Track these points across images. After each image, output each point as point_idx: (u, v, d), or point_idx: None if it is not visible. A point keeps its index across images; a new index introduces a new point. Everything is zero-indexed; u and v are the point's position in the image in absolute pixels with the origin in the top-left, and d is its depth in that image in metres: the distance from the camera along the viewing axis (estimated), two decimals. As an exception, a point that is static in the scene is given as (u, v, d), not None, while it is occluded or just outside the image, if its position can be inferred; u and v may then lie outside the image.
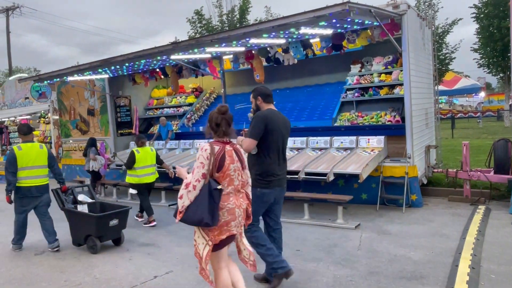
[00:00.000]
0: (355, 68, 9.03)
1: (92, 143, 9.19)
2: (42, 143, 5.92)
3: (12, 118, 15.84)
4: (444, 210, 6.61)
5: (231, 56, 8.80)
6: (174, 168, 6.70)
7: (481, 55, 21.85)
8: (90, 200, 6.04)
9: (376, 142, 7.16)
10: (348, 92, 8.86)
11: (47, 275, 4.69)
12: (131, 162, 6.81)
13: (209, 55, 8.67)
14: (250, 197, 3.29)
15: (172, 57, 7.99)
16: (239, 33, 6.55)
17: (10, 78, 16.17)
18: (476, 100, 39.64)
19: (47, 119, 14.61)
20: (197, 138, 10.09)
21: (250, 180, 3.32)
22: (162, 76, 10.39)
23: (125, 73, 10.24)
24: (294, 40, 7.52)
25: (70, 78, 10.08)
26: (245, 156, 3.30)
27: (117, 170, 9.95)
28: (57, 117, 13.10)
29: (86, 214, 5.64)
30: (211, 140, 3.12)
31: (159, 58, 8.17)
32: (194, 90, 12.37)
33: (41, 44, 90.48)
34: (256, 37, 6.67)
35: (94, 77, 10.37)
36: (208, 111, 10.99)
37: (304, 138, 7.93)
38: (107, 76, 10.40)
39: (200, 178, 2.95)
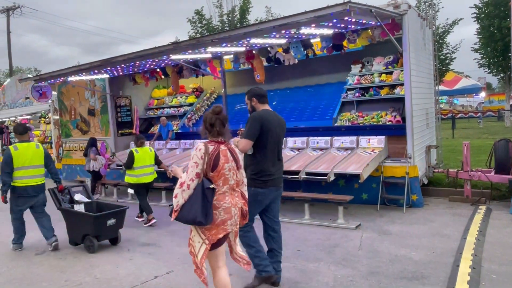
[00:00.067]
0: (355, 68, 9.03)
1: (92, 143, 9.20)
2: (38, 143, 5.91)
3: (13, 118, 15.84)
4: (445, 210, 6.61)
5: (232, 56, 8.80)
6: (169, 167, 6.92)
7: (482, 55, 21.85)
8: (86, 200, 6.04)
9: (377, 142, 7.15)
10: (348, 92, 8.86)
11: (48, 275, 4.69)
12: (130, 162, 6.82)
13: (209, 55, 8.67)
14: (246, 196, 3.31)
15: (173, 57, 7.99)
16: (240, 33, 6.55)
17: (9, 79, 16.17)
18: (476, 100, 39.70)
19: (47, 119, 14.61)
20: (197, 138, 10.06)
21: (245, 180, 3.34)
22: (163, 76, 10.38)
23: (126, 73, 10.25)
24: (294, 40, 7.52)
25: (70, 78, 10.08)
26: (240, 156, 3.31)
27: (118, 170, 9.95)
28: (57, 117, 13.09)
29: (83, 214, 5.64)
30: (206, 140, 3.14)
31: (159, 58, 8.17)
32: (195, 90, 12.37)
33: (41, 44, 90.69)
34: (257, 37, 6.67)
35: (94, 77, 10.37)
36: (209, 111, 10.97)
37: (305, 138, 7.92)
38: (107, 76, 10.41)
39: (194, 177, 2.97)
